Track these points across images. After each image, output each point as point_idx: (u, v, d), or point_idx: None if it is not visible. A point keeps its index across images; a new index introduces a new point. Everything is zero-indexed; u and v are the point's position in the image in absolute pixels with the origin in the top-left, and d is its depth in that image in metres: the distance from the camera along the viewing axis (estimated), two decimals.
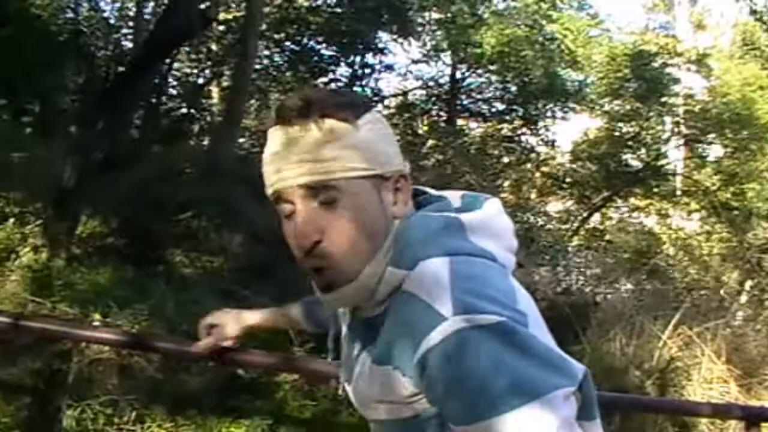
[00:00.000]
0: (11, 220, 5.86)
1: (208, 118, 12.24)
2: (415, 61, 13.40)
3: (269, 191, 1.08)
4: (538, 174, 13.08)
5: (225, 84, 12.03)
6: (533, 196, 12.02)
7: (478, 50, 11.53)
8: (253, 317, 1.77)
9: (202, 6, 6.87)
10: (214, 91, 12.70)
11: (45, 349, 4.27)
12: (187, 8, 6.15)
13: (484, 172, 11.25)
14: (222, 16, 10.50)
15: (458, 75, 13.81)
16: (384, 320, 1.05)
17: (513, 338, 0.92)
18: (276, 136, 1.06)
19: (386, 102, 14.25)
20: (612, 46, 14.19)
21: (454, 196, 1.16)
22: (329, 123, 1.03)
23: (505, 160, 13.28)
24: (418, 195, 1.16)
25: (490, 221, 1.11)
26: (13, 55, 10.02)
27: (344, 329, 1.22)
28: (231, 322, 1.76)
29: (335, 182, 1.02)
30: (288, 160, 1.04)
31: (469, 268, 1.01)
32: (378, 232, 1.05)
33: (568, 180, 13.95)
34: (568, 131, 14.77)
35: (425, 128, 13.40)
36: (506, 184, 12.01)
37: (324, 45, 13.13)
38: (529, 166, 12.97)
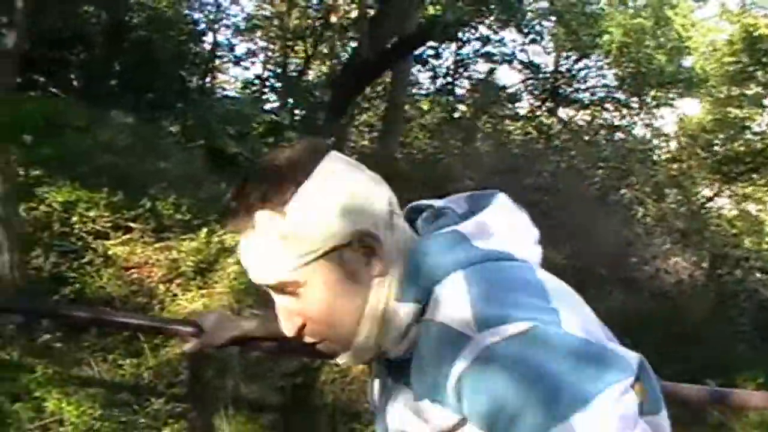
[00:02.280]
0: (204, 229, 5.97)
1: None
2: (522, 50, 13.23)
3: None
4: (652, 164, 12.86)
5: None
6: (648, 189, 11.82)
7: (599, 39, 11.39)
8: (245, 326, 1.72)
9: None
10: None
11: (289, 365, 4.32)
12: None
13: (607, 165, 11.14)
14: None
15: (566, 63, 13.66)
16: (412, 358, 1.00)
17: (546, 342, 0.85)
18: (240, 236, 1.05)
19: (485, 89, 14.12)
20: (718, 29, 13.88)
21: (459, 201, 1.11)
22: (260, 217, 0.99)
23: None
24: (423, 210, 1.12)
25: (497, 220, 1.04)
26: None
27: (374, 382, 1.16)
28: (220, 330, 1.72)
29: (288, 279, 1.00)
30: (247, 262, 1.03)
31: (485, 275, 0.95)
32: (353, 301, 1.01)
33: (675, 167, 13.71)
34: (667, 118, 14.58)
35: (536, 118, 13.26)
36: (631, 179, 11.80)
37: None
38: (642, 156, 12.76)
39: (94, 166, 6.95)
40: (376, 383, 1.15)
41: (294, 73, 12.28)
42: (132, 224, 6.23)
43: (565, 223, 8.00)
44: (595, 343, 0.88)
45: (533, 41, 13.17)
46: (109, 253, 5.78)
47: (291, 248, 0.98)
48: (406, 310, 0.99)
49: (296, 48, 12.57)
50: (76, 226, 5.83)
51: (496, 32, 12.71)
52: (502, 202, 1.08)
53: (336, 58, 12.36)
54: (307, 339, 1.06)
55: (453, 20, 8.47)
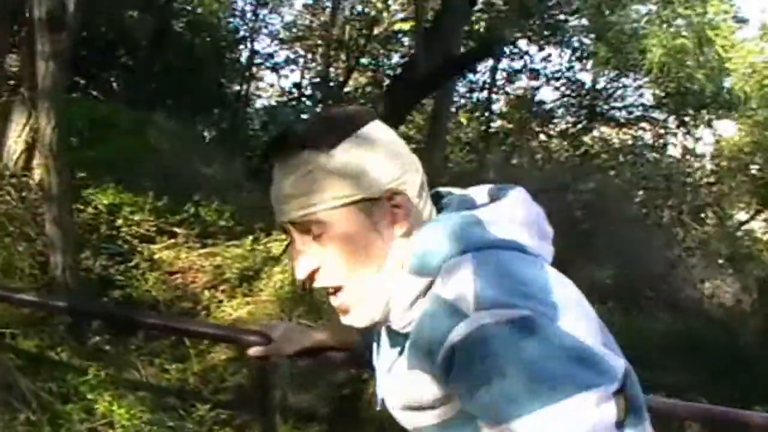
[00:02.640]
0: (250, 237, 5.99)
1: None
2: (568, 68, 13.18)
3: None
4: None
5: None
6: (686, 210, 11.71)
7: (639, 57, 11.33)
8: (316, 336, 1.76)
9: None
10: None
11: (337, 375, 4.31)
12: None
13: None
14: None
15: (605, 81, 13.58)
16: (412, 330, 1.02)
17: (537, 333, 0.87)
18: (273, 172, 1.08)
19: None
20: (758, 51, 13.71)
21: (480, 192, 1.14)
22: (305, 155, 1.03)
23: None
24: (443, 197, 1.15)
25: (514, 211, 1.06)
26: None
27: (377, 346, 1.20)
28: (289, 341, 1.76)
29: (315, 216, 1.03)
30: (278, 196, 1.06)
31: (493, 260, 0.97)
32: (374, 255, 1.04)
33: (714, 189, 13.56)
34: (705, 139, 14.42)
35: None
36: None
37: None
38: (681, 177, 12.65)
39: (139, 170, 6.99)
40: (379, 350, 1.18)
41: (333, 83, 12.34)
42: (176, 229, 6.28)
43: (610, 243, 7.93)
44: (585, 344, 0.89)
45: (579, 59, 13.13)
46: (155, 257, 5.82)
47: (326, 188, 1.02)
48: (415, 282, 1.01)
49: (337, 58, 12.63)
50: (123, 229, 5.88)
51: (541, 48, 12.68)
52: (520, 195, 1.10)
53: (376, 70, 12.41)
54: (317, 284, 1.09)
55: (507, 36, 8.52)
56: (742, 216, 14.00)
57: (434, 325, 0.95)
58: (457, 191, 1.16)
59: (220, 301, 5.48)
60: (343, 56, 12.36)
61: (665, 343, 6.59)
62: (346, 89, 11.80)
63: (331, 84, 11.90)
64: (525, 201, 1.10)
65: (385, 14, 11.50)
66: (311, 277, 1.08)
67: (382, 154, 1.06)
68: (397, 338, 1.08)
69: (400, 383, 1.06)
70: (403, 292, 1.02)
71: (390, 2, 11.53)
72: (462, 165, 12.06)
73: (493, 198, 1.10)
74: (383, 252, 1.04)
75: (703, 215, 12.40)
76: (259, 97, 14.64)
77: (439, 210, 1.11)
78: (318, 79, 12.48)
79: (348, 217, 1.03)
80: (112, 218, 6.03)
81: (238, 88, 13.20)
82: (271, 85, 14.37)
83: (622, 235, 8.45)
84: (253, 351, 1.82)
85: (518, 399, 0.86)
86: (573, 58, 13.03)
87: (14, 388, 4.09)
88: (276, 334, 1.79)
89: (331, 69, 13.07)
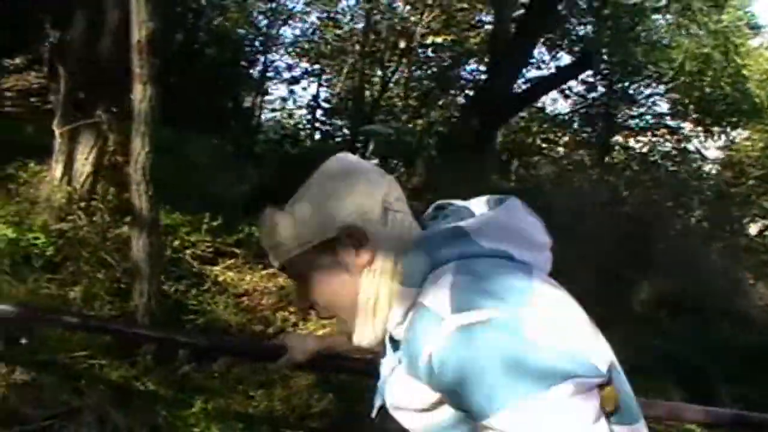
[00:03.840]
0: None
1: None
2: (584, 82, 13.18)
3: None
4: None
5: None
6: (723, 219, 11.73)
7: (661, 66, 11.40)
8: (318, 342, 1.92)
9: None
10: None
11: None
12: None
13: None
14: None
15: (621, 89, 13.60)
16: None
17: (510, 331, 0.91)
18: None
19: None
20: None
21: (479, 203, 1.20)
22: (272, 213, 1.18)
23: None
24: (443, 208, 1.22)
25: (504, 221, 1.10)
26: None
27: (383, 353, 1.24)
28: (298, 347, 1.91)
29: (289, 263, 1.18)
30: (263, 245, 1.23)
31: (474, 267, 1.01)
32: (348, 287, 1.15)
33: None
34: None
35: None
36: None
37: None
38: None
39: (184, 189, 6.88)
40: (385, 361, 1.22)
41: (340, 95, 12.29)
42: (235, 249, 6.17)
43: (669, 254, 7.92)
44: (564, 340, 0.92)
45: (604, 71, 13.12)
46: (219, 279, 5.71)
47: (289, 239, 1.16)
48: (406, 294, 1.07)
49: (358, 71, 12.56)
50: (188, 251, 5.77)
51: (556, 58, 12.69)
52: (513, 206, 1.15)
53: (386, 81, 12.38)
54: (318, 315, 1.24)
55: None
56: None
57: (416, 333, 1.00)
58: (458, 203, 1.21)
59: (295, 324, 5.37)
60: (367, 69, 12.25)
61: (739, 356, 6.56)
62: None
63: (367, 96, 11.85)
64: (518, 211, 1.14)
65: (418, 28, 11.42)
66: (312, 307, 1.22)
67: (334, 197, 1.14)
68: (396, 345, 1.13)
69: (398, 387, 1.11)
70: (397, 304, 1.09)
71: (424, 16, 11.47)
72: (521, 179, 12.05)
73: (490, 209, 1.16)
74: (355, 282, 1.14)
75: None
76: (273, 110, 14.57)
77: (439, 220, 1.18)
78: (341, 93, 12.39)
79: (315, 260, 1.16)
80: (171, 240, 5.91)
81: (250, 102, 13.11)
82: (284, 99, 14.27)
83: (680, 246, 8.44)
84: (278, 364, 1.97)
85: (496, 395, 0.89)
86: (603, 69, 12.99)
87: (106, 422, 3.99)
88: (290, 342, 1.95)
89: (348, 81, 13.02)
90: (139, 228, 4.08)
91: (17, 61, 7.82)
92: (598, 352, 0.94)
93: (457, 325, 0.93)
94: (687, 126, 13.55)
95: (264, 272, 5.95)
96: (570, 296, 1.05)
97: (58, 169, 5.05)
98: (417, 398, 1.05)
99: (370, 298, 1.13)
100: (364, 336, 1.16)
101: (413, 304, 1.06)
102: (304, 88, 14.44)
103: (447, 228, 1.10)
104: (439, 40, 11.38)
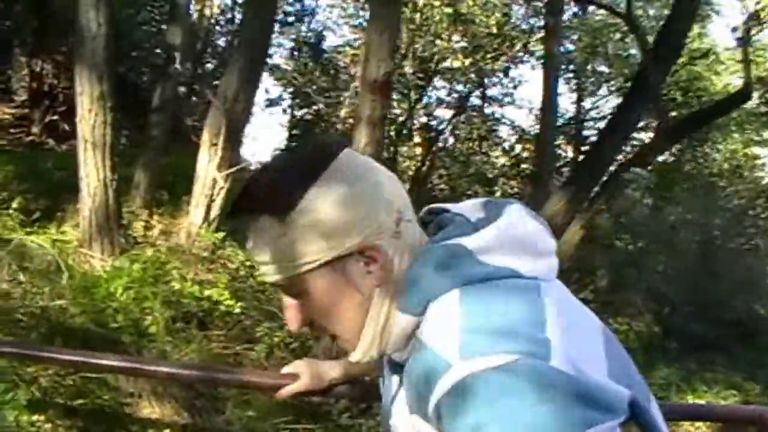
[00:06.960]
0: None
1: None
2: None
3: None
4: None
5: None
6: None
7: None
8: (328, 370, 1.81)
9: None
10: None
11: None
12: None
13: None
14: None
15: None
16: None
17: (526, 377, 0.83)
18: None
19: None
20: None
21: (474, 208, 1.08)
22: (264, 222, 1.00)
23: None
24: (440, 213, 1.11)
25: (507, 233, 1.00)
26: None
27: (383, 375, 1.17)
28: (307, 374, 1.80)
29: (287, 281, 1.01)
30: (252, 259, 1.05)
31: (481, 297, 0.92)
32: (355, 306, 1.01)
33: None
34: None
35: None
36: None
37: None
38: None
39: None
40: (385, 381, 1.14)
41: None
42: None
43: (730, 277, 8.00)
44: (582, 380, 0.84)
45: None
46: None
47: (289, 255, 0.98)
48: (405, 321, 0.97)
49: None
50: None
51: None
52: (516, 211, 1.04)
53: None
54: (314, 333, 1.14)
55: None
56: None
57: (422, 375, 0.92)
58: (450, 208, 1.10)
59: None
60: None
61: None
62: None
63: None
64: (521, 218, 1.03)
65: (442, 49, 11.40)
66: (307, 325, 1.07)
67: (345, 209, 0.98)
68: (396, 368, 1.05)
69: (401, 414, 1.02)
70: (396, 330, 0.99)
71: (452, 40, 11.47)
72: None
73: (488, 216, 1.04)
74: (364, 302, 1.01)
75: None
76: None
77: (432, 228, 1.08)
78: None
79: (320, 278, 0.99)
80: None
81: None
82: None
83: (738, 266, 8.67)
84: (284, 392, 1.83)
85: None
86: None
87: None
88: (301, 370, 1.81)
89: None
90: None
91: None
92: (618, 391, 0.87)
93: (466, 373, 0.84)
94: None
95: None
96: (580, 306, 0.99)
97: None
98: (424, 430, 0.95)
99: (380, 318, 1.01)
100: (368, 353, 1.03)
101: (413, 334, 0.97)
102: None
103: (449, 248, 0.98)
104: (460, 63, 11.59)
